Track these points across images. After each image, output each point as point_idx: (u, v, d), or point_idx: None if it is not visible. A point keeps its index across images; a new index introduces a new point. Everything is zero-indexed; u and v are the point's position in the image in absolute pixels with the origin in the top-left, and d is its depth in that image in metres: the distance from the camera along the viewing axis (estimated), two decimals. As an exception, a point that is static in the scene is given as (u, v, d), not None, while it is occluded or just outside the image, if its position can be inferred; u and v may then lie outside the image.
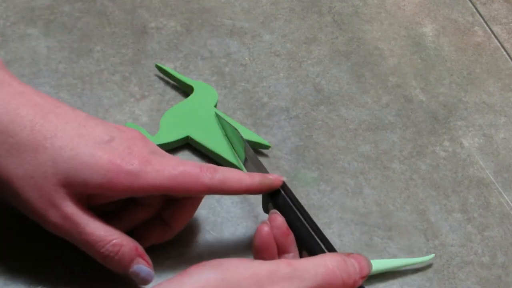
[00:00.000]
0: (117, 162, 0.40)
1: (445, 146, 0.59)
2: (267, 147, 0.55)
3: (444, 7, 0.73)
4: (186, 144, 0.54)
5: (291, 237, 0.43)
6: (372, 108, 0.61)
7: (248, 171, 0.50)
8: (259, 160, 0.49)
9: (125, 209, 0.46)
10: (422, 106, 0.62)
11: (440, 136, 0.60)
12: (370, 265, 0.40)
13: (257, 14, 0.67)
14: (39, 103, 0.41)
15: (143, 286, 0.45)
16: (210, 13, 0.66)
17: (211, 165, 0.43)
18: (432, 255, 0.51)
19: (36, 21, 0.61)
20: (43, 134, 0.40)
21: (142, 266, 0.42)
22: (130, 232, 0.44)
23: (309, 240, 0.43)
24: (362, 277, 0.39)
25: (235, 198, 0.52)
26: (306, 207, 0.45)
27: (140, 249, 0.42)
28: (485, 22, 0.72)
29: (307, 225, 0.43)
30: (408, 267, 0.50)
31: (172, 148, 0.53)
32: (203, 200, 0.48)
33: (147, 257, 0.43)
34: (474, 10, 0.73)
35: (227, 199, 0.52)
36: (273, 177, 0.45)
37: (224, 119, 0.53)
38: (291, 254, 0.43)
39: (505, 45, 0.70)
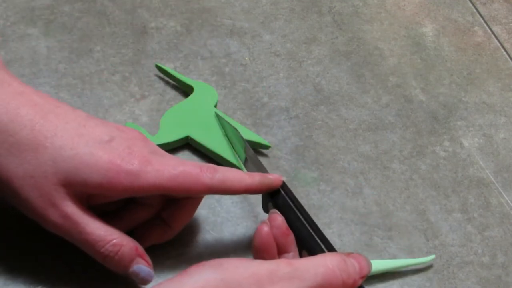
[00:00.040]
0: (117, 162, 0.40)
1: (445, 146, 0.59)
2: (267, 147, 0.55)
3: (444, 7, 0.73)
4: (186, 144, 0.54)
5: (291, 237, 0.43)
6: (372, 108, 0.61)
7: (248, 171, 0.50)
8: (259, 160, 0.49)
9: (125, 209, 0.46)
10: (422, 106, 0.62)
11: (440, 136, 0.60)
12: (370, 265, 0.40)
13: (257, 14, 0.67)
14: (39, 103, 0.41)
15: (143, 286, 0.45)
16: (210, 13, 0.66)
17: (211, 165, 0.43)
18: (433, 256, 0.51)
19: (36, 21, 0.61)
20: (43, 134, 0.40)
21: (142, 266, 0.42)
22: (130, 232, 0.44)
23: (309, 240, 0.42)
24: (362, 277, 0.39)
25: (235, 198, 0.52)
26: (306, 207, 0.45)
27: (140, 249, 0.42)
28: (485, 22, 0.72)
29: (307, 225, 0.43)
30: (408, 268, 0.50)
31: (172, 148, 0.53)
32: (203, 200, 0.48)
33: (147, 257, 0.43)
34: (474, 10, 0.73)
35: (227, 199, 0.52)
36: (273, 177, 0.45)
37: (224, 119, 0.53)
38: (291, 254, 0.43)
39: (505, 45, 0.70)
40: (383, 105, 0.61)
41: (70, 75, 0.58)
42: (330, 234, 0.51)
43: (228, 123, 0.53)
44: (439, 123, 0.61)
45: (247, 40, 0.64)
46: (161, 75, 0.59)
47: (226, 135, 0.54)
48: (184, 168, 0.42)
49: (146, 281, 0.43)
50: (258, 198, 0.49)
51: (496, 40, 0.70)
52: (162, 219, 0.46)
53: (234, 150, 0.53)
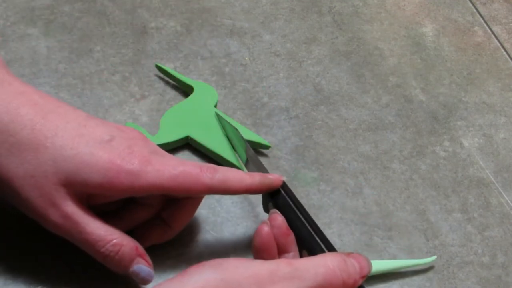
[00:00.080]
0: (118, 162, 0.40)
1: (445, 146, 0.59)
2: (267, 147, 0.55)
3: (444, 7, 0.73)
4: (186, 144, 0.54)
5: (291, 237, 0.43)
6: (372, 108, 0.61)
7: (249, 171, 0.50)
8: (260, 161, 0.49)
9: (125, 209, 0.46)
10: (422, 106, 0.62)
11: (440, 136, 0.60)
12: (370, 265, 0.40)
13: (257, 14, 0.67)
14: (39, 103, 0.41)
15: (143, 286, 0.45)
16: (210, 13, 0.66)
17: (212, 165, 0.43)
18: (434, 257, 0.51)
19: (36, 21, 0.61)
20: (43, 134, 0.40)
21: (142, 266, 0.42)
22: (130, 232, 0.44)
23: (309, 240, 0.42)
24: (362, 277, 0.39)
25: (235, 198, 0.52)
26: (306, 207, 0.45)
27: (141, 249, 0.42)
28: (485, 22, 0.72)
29: (307, 224, 0.43)
30: (408, 268, 0.50)
31: (172, 148, 0.53)
32: (203, 200, 0.48)
33: (147, 257, 0.43)
34: (474, 10, 0.73)
35: (227, 199, 0.52)
36: (273, 177, 0.45)
37: (224, 119, 0.53)
38: (291, 254, 0.43)
39: (505, 45, 0.70)
40: (383, 105, 0.62)
41: (70, 75, 0.58)
42: (330, 234, 0.51)
43: (229, 123, 0.53)
44: (439, 123, 0.61)
45: (247, 40, 0.64)
46: (161, 75, 0.59)
47: (227, 135, 0.54)
48: (184, 168, 0.42)
49: (147, 281, 0.43)
50: (258, 198, 0.49)
51: (496, 40, 0.70)
52: (162, 219, 0.46)
53: (235, 150, 0.53)
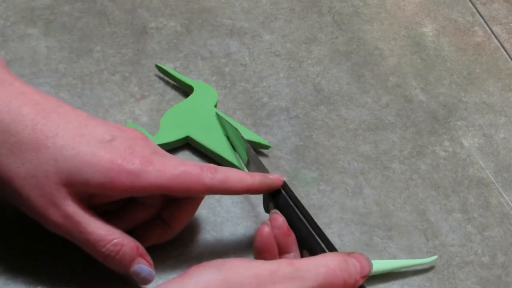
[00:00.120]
0: (119, 162, 0.40)
1: (445, 146, 0.59)
2: (267, 147, 0.55)
3: (444, 7, 0.73)
4: (186, 144, 0.54)
5: (292, 237, 0.43)
6: (372, 108, 0.61)
7: (249, 171, 0.50)
8: (260, 161, 0.49)
9: (125, 209, 0.46)
10: (422, 106, 0.62)
11: (440, 136, 0.60)
12: (371, 265, 0.40)
13: (257, 14, 0.67)
14: (40, 103, 0.41)
15: (144, 286, 0.45)
16: (210, 13, 0.66)
17: (212, 165, 0.43)
18: (436, 257, 0.51)
19: (36, 21, 0.61)
20: (44, 133, 0.40)
21: (143, 265, 0.42)
22: (130, 232, 0.44)
23: (310, 240, 0.42)
24: (363, 277, 0.39)
25: (235, 198, 0.52)
26: (306, 207, 0.45)
27: (141, 248, 0.42)
28: (485, 22, 0.72)
29: (307, 224, 0.43)
30: (409, 268, 0.50)
31: (172, 148, 0.53)
32: (203, 200, 0.48)
33: (148, 257, 0.43)
34: (474, 10, 0.73)
35: (227, 199, 0.52)
36: (274, 177, 0.45)
37: (225, 120, 0.53)
38: (292, 254, 0.43)
39: (505, 45, 0.70)
40: (383, 105, 0.62)
41: (70, 75, 0.58)
42: (330, 234, 0.51)
43: (229, 123, 0.53)
44: (439, 123, 0.61)
45: (247, 40, 0.64)
46: (161, 75, 0.59)
47: (227, 135, 0.54)
48: (185, 168, 0.42)
49: (147, 281, 0.43)
50: (258, 198, 0.49)
51: (496, 40, 0.70)
52: (162, 219, 0.46)
53: (236, 151, 0.53)
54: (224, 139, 0.54)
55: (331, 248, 0.42)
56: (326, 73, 0.63)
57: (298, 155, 0.56)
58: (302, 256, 0.43)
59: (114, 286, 0.45)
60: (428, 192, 0.56)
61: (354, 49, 0.66)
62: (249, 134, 0.54)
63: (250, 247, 0.48)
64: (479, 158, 0.59)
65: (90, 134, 0.41)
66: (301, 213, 0.44)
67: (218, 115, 0.55)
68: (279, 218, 0.43)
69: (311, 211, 0.52)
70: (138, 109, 0.56)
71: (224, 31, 0.64)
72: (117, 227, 0.42)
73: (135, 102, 0.57)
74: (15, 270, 0.45)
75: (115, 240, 0.41)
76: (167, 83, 0.59)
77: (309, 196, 0.53)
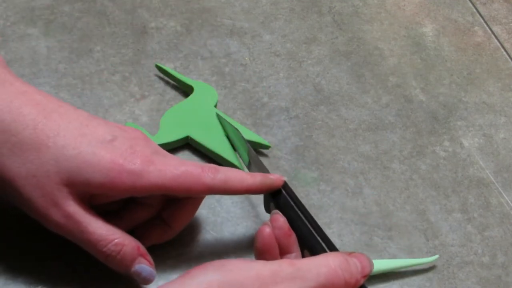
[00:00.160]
0: (120, 162, 0.40)
1: (445, 146, 0.59)
2: (267, 147, 0.55)
3: (444, 7, 0.73)
4: (186, 144, 0.54)
5: (293, 237, 0.43)
6: (372, 108, 0.61)
7: (250, 172, 0.50)
8: (261, 161, 0.49)
9: (125, 208, 0.46)
10: (422, 106, 0.62)
11: (440, 136, 0.60)
12: (372, 264, 0.40)
13: (257, 14, 0.67)
14: (41, 103, 0.41)
15: (145, 286, 0.45)
16: (210, 13, 0.66)
17: (213, 165, 0.43)
18: (436, 256, 0.51)
19: (36, 21, 0.61)
20: (45, 133, 0.40)
21: (144, 265, 0.42)
22: (130, 232, 0.44)
23: (311, 240, 0.42)
24: (364, 276, 0.39)
25: (235, 198, 0.52)
26: (306, 207, 0.45)
27: (142, 248, 0.42)
28: (485, 22, 0.72)
29: (308, 224, 0.43)
30: (409, 268, 0.50)
31: (172, 148, 0.53)
32: (203, 200, 0.48)
33: (149, 257, 0.43)
34: (474, 10, 0.73)
35: (227, 199, 0.52)
36: (274, 177, 0.45)
37: (225, 120, 0.53)
38: (293, 254, 0.43)
39: (505, 45, 0.70)
40: (383, 105, 0.62)
41: (70, 75, 0.58)
42: (330, 234, 0.51)
43: (230, 124, 0.53)
44: (439, 123, 0.61)
45: (247, 40, 0.64)
46: (161, 75, 0.59)
47: (228, 136, 0.54)
48: (186, 168, 0.42)
49: (148, 280, 0.43)
50: (259, 198, 0.49)
51: (496, 40, 0.70)
52: (162, 219, 0.46)
53: (237, 152, 0.53)
54: (224, 139, 0.54)
55: (332, 248, 0.42)
56: (326, 73, 0.63)
57: (298, 155, 0.56)
58: (303, 256, 0.43)
59: (115, 286, 0.45)
60: (428, 192, 0.56)
61: (354, 49, 0.66)
62: (249, 134, 0.54)
63: (251, 247, 0.48)
64: (479, 158, 0.59)
65: (91, 134, 0.41)
66: (302, 213, 0.44)
67: (218, 116, 0.55)
68: (280, 219, 0.43)
69: (311, 211, 0.51)
70: (138, 109, 0.56)
71: (224, 31, 0.64)
72: (118, 227, 0.42)
73: (135, 102, 0.57)
74: (15, 270, 0.45)
75: (116, 240, 0.41)
76: (167, 83, 0.59)
77: (309, 196, 0.53)
